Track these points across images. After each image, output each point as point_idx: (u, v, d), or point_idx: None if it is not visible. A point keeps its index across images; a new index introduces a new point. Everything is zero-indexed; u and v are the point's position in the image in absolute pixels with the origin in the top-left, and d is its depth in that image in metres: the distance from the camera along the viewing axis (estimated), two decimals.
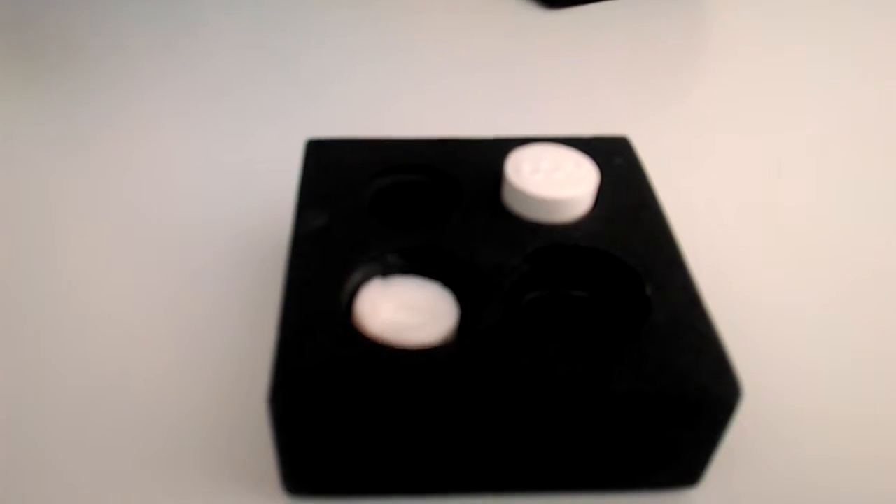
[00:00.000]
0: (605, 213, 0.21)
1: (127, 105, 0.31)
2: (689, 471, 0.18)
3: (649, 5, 0.42)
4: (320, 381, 0.16)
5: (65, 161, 0.29)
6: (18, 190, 0.27)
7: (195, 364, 0.21)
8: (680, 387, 0.16)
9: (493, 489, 0.18)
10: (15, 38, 0.37)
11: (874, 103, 0.34)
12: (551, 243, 0.20)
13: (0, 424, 0.20)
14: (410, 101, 0.33)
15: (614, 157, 0.23)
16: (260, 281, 0.24)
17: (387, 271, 0.19)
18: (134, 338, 0.22)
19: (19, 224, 0.26)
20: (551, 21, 0.40)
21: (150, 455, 0.19)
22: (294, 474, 0.18)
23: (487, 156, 0.22)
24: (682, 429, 0.17)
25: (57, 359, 0.21)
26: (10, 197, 0.27)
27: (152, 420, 0.20)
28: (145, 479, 0.19)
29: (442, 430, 0.17)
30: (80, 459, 0.19)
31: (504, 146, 0.22)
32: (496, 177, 0.22)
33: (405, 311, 0.18)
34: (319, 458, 0.17)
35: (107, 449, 0.19)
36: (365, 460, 0.17)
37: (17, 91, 0.33)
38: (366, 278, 0.19)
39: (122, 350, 0.22)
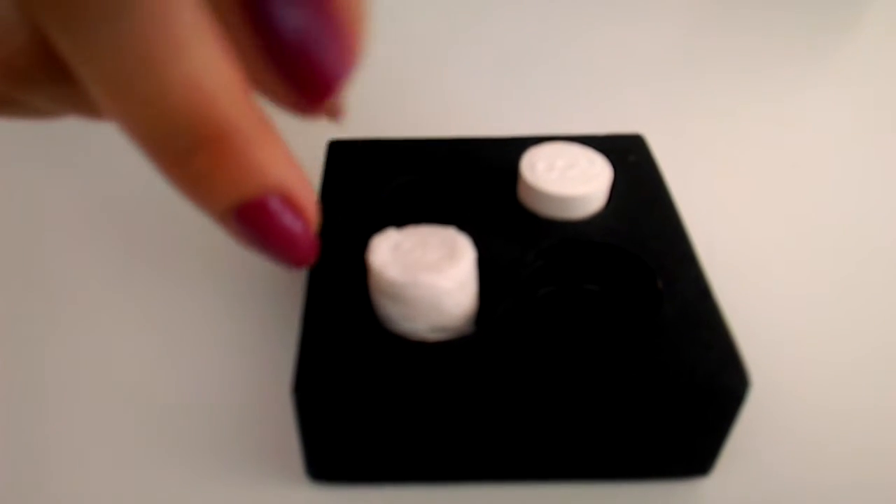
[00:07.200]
0: (619, 210, 0.21)
1: None
2: (700, 460, 0.19)
3: (666, 5, 0.42)
4: (342, 372, 0.17)
5: (88, 164, 0.30)
6: (45, 192, 0.28)
7: (223, 357, 0.22)
8: (689, 378, 0.17)
9: (508, 477, 0.19)
10: None
11: (890, 103, 0.34)
12: (565, 239, 0.20)
13: (38, 418, 0.21)
14: (428, 101, 0.34)
15: (628, 155, 0.23)
16: (284, 277, 0.24)
17: None
18: (164, 334, 0.23)
19: (51, 227, 0.27)
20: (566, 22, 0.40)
21: (179, 444, 0.20)
22: (318, 461, 0.18)
23: (503, 154, 0.23)
24: (693, 419, 0.17)
25: (92, 356, 0.22)
26: (45, 200, 0.28)
27: (182, 410, 0.21)
28: (175, 466, 0.19)
29: (460, 420, 0.17)
30: (116, 449, 0.20)
31: (519, 145, 0.23)
32: (512, 175, 0.22)
33: (421, 248, 0.18)
34: (342, 445, 0.18)
35: (139, 438, 0.20)
36: (386, 448, 0.18)
37: None
38: None
39: (153, 345, 0.22)
